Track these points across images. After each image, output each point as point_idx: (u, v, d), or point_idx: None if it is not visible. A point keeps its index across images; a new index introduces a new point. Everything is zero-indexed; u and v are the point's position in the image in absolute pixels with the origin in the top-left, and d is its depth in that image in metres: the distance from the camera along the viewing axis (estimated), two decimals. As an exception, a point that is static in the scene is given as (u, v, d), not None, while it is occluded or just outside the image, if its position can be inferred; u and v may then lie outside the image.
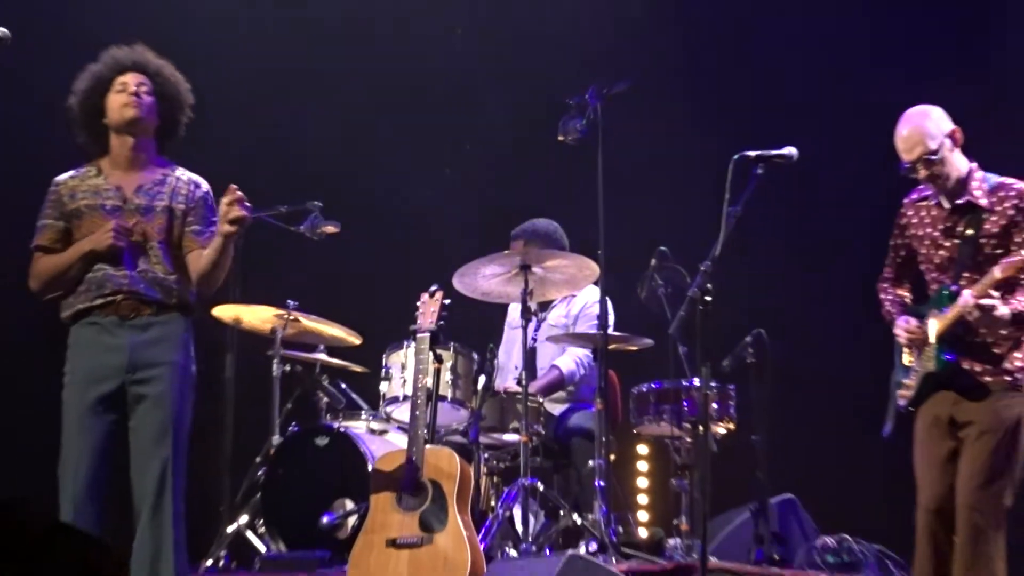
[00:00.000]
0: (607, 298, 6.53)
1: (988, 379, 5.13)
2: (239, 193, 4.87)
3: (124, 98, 5.13)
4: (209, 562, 6.50)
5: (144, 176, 5.18)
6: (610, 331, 6.47)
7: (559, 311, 7.22)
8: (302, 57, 8.89)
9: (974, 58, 8.32)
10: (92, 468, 4.89)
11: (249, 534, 6.68)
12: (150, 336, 5.00)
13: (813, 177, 6.79)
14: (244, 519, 6.71)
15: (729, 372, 6.69)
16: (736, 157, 5.37)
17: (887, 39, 8.56)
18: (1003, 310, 5.00)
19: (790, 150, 5.42)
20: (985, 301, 4.97)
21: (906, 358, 5.32)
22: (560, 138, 6.56)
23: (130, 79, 5.15)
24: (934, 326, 5.16)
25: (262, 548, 6.59)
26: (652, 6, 8.99)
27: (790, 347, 7.21)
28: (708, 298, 5.22)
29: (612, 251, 6.39)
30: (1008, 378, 5.13)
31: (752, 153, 5.39)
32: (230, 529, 6.67)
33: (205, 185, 5.29)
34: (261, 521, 6.67)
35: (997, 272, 4.98)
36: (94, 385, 4.95)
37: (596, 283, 6.64)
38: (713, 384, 6.24)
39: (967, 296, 5.01)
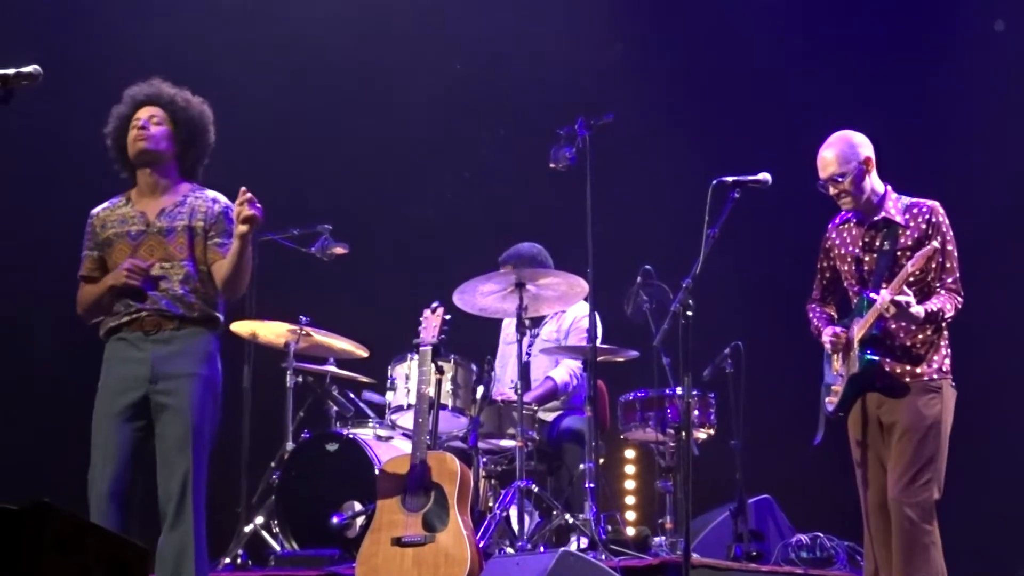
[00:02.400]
0: (596, 313, 6.52)
1: (908, 380, 5.13)
2: (249, 195, 4.80)
3: (134, 133, 5.07)
4: (227, 559, 6.49)
5: (167, 200, 5.12)
6: (599, 344, 6.46)
7: (550, 327, 7.21)
8: (313, 88, 8.89)
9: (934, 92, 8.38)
10: (116, 471, 4.84)
11: (264, 533, 6.67)
12: (172, 349, 4.95)
13: (787, 199, 6.79)
14: (260, 519, 6.70)
15: (709, 381, 6.69)
16: (714, 182, 5.36)
17: (855, 72, 8.59)
18: (917, 308, 5.00)
19: (764, 176, 5.41)
20: (900, 297, 4.97)
21: (834, 365, 5.32)
22: (552, 165, 6.57)
23: (143, 113, 5.09)
24: (856, 331, 5.18)
25: (277, 547, 6.58)
26: (635, 43, 9.02)
27: (765, 358, 7.20)
28: (689, 313, 5.22)
29: (600, 269, 6.40)
30: (926, 379, 5.13)
31: (729, 179, 5.38)
32: (247, 529, 6.66)
33: (223, 200, 5.20)
34: (276, 521, 6.66)
35: (909, 266, 5.01)
36: (119, 395, 4.92)
37: (585, 299, 6.64)
38: (694, 392, 6.23)
39: (884, 293, 5.02)
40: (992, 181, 8.07)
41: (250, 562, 6.55)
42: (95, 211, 5.17)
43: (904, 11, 8.63)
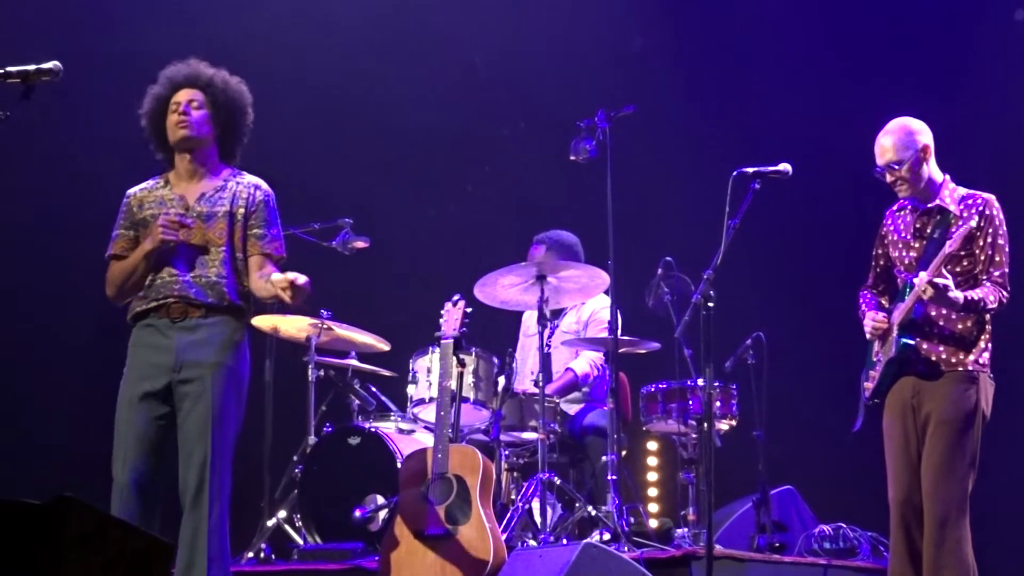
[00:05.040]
0: (616, 305, 6.50)
1: (944, 368, 5.10)
2: (297, 282, 4.85)
3: (175, 118, 5.00)
4: (250, 554, 6.49)
5: (206, 184, 5.07)
6: (620, 336, 6.44)
7: (570, 318, 7.19)
8: (333, 83, 8.88)
9: (956, 82, 8.31)
10: (136, 460, 4.81)
11: (287, 527, 6.67)
12: (197, 337, 4.91)
13: (809, 190, 6.76)
14: (283, 513, 6.70)
15: (731, 372, 6.66)
16: (735, 173, 5.33)
17: (877, 60, 8.54)
18: (956, 293, 4.96)
19: (784, 166, 5.39)
20: (939, 280, 4.93)
21: (874, 351, 5.29)
22: (572, 158, 6.55)
23: (182, 96, 5.03)
24: (897, 315, 5.15)
25: (299, 540, 6.58)
26: (653, 35, 8.99)
27: (787, 349, 7.17)
28: (711, 304, 5.20)
29: (621, 261, 6.38)
30: (961, 369, 5.09)
31: (750, 169, 5.36)
32: (270, 523, 6.67)
33: (265, 187, 5.16)
34: (298, 515, 6.66)
35: (948, 247, 4.97)
36: (143, 382, 4.89)
37: (606, 291, 6.62)
38: (716, 384, 6.19)
39: (922, 275, 4.99)
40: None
41: (273, 556, 6.55)
42: (132, 191, 5.12)
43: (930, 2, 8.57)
